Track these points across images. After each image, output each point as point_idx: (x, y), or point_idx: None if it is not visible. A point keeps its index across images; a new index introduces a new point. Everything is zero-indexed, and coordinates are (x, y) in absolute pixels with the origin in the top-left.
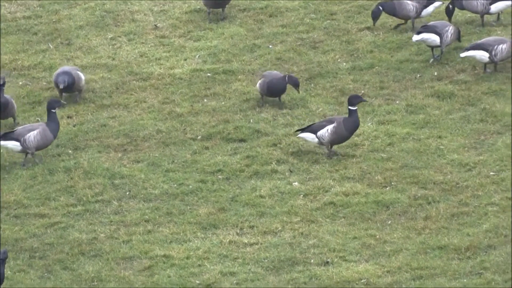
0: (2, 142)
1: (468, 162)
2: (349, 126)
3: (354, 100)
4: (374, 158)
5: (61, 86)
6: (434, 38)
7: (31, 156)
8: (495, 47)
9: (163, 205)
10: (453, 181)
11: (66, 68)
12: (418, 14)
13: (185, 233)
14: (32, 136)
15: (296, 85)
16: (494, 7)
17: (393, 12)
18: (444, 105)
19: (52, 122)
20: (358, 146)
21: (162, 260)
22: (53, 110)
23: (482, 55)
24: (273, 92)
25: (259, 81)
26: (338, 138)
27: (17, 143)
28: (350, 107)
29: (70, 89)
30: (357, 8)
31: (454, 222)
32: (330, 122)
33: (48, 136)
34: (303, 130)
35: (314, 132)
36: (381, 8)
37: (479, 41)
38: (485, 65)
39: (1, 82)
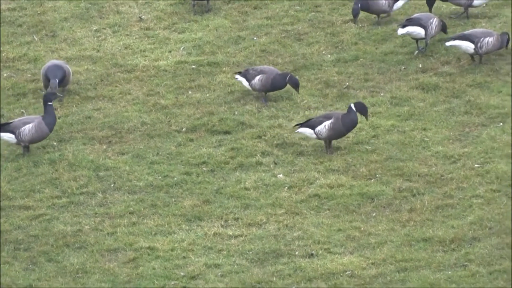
0: None
1: (452, 154)
2: (347, 123)
3: (360, 106)
4: (358, 150)
5: (56, 83)
6: (419, 31)
7: (25, 148)
8: (482, 39)
9: (147, 197)
10: (437, 173)
11: (56, 62)
12: (390, 9)
13: (170, 225)
14: (27, 129)
15: (296, 85)
16: (477, 0)
17: (366, 8)
18: (428, 97)
19: (49, 115)
20: (342, 138)
21: (146, 252)
22: (50, 103)
23: (468, 46)
24: (276, 87)
25: (258, 77)
26: (335, 133)
27: (12, 136)
28: (351, 105)
29: (61, 83)
30: (341, 0)
31: (439, 214)
32: (328, 118)
33: (43, 129)
34: (301, 125)
35: (312, 127)
36: (358, 5)
37: (466, 32)
38: (472, 56)
39: None
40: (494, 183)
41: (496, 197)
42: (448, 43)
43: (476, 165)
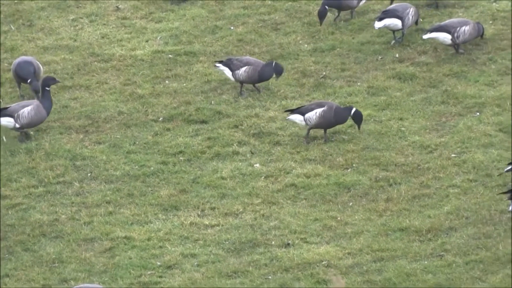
0: None
1: (429, 144)
2: (338, 116)
3: (358, 115)
4: (335, 139)
5: (37, 85)
6: (396, 23)
7: (23, 133)
8: (458, 29)
9: (124, 186)
10: (414, 163)
11: (26, 58)
12: (358, 4)
13: (146, 214)
14: (26, 111)
15: (279, 73)
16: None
17: (337, 5)
18: (405, 87)
19: (46, 100)
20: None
21: (123, 242)
22: (48, 88)
23: (445, 37)
24: (263, 79)
25: (244, 69)
26: (325, 122)
27: (11, 119)
28: (352, 107)
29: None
30: None
31: (415, 204)
32: (320, 105)
33: (42, 113)
34: (292, 111)
35: (303, 114)
36: (327, 7)
37: (442, 23)
38: (455, 46)
39: None
40: (470, 173)
41: (472, 186)
42: (425, 36)
43: (452, 155)
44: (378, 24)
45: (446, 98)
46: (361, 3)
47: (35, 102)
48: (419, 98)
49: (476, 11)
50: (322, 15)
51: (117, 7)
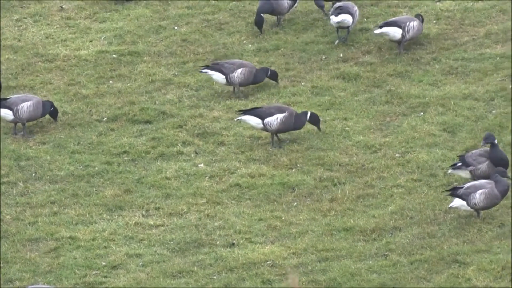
0: None
1: (373, 144)
2: (298, 122)
3: (315, 118)
4: (279, 139)
5: None
6: (349, 19)
7: (22, 127)
8: (408, 23)
9: (69, 186)
10: (358, 163)
11: None
12: (289, 9)
13: (91, 214)
14: (25, 106)
15: (276, 76)
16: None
17: (271, 11)
18: (349, 86)
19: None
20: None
21: (68, 242)
22: None
23: (396, 32)
24: (256, 81)
25: (240, 70)
26: (285, 128)
27: (10, 112)
28: (307, 112)
29: None
30: None
31: (360, 204)
32: (281, 111)
33: (41, 109)
34: (245, 112)
35: (261, 117)
36: (262, 15)
37: (392, 19)
38: (400, 43)
39: None
40: (415, 173)
41: (416, 186)
42: (376, 31)
43: (397, 155)
44: (335, 19)
45: (390, 98)
46: (294, 8)
47: (36, 97)
48: (363, 98)
49: (420, 11)
50: (259, 24)
51: (61, 7)
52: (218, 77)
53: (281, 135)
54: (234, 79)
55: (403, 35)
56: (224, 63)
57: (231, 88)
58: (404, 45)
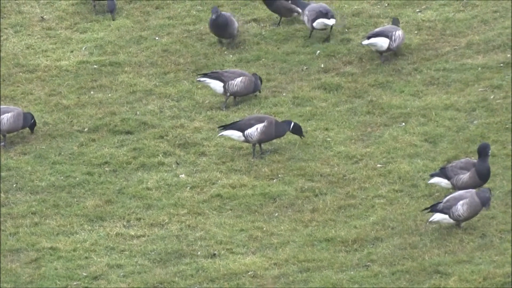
0: None
1: (355, 154)
2: (279, 131)
3: (297, 129)
4: (262, 150)
5: None
6: (383, 43)
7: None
8: (394, 32)
9: (50, 197)
10: (340, 173)
11: None
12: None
13: (72, 225)
14: (5, 118)
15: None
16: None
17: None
18: (330, 97)
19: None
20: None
21: (49, 253)
22: None
23: (383, 42)
24: (256, 89)
25: (240, 79)
26: (266, 137)
27: None
28: (291, 122)
29: None
30: (243, 0)
31: (341, 214)
32: (260, 121)
33: (21, 121)
34: (225, 127)
35: (242, 130)
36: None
37: (378, 29)
38: (383, 54)
39: None
40: (396, 183)
41: (398, 197)
42: (364, 42)
43: (378, 165)
44: (330, 22)
45: (372, 109)
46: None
47: (17, 109)
48: (344, 109)
49: (401, 21)
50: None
51: (42, 17)
52: (216, 85)
53: (263, 146)
54: (233, 87)
55: (390, 45)
56: (223, 72)
57: (212, 99)
58: (386, 55)
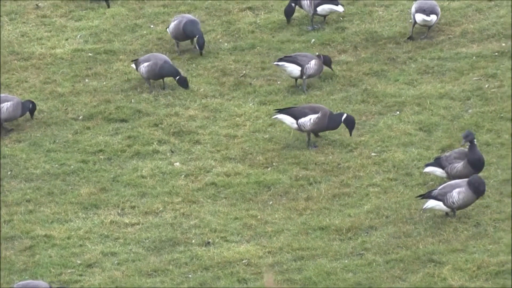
0: None
1: (349, 143)
2: (332, 123)
3: (350, 121)
4: (255, 138)
5: None
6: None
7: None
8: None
9: (44, 185)
10: (334, 162)
11: None
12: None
13: (67, 213)
14: (5, 107)
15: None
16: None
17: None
18: (325, 85)
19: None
20: (239, 127)
21: (43, 240)
22: None
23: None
24: (320, 71)
25: (314, 62)
26: (318, 129)
27: None
28: (343, 113)
29: None
30: None
31: (336, 203)
32: (314, 111)
33: (20, 110)
34: (281, 111)
35: (296, 117)
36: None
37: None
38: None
39: None
40: (390, 172)
41: (392, 185)
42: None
43: (373, 154)
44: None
45: (366, 97)
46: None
47: (16, 98)
48: (339, 97)
49: (396, 10)
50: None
51: (37, 5)
52: (294, 68)
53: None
54: (309, 70)
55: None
56: (297, 55)
57: (207, 87)
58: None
